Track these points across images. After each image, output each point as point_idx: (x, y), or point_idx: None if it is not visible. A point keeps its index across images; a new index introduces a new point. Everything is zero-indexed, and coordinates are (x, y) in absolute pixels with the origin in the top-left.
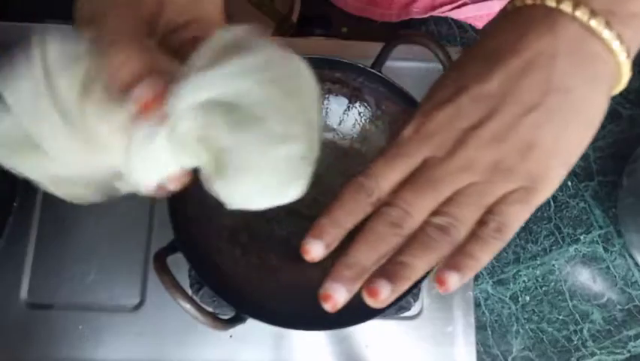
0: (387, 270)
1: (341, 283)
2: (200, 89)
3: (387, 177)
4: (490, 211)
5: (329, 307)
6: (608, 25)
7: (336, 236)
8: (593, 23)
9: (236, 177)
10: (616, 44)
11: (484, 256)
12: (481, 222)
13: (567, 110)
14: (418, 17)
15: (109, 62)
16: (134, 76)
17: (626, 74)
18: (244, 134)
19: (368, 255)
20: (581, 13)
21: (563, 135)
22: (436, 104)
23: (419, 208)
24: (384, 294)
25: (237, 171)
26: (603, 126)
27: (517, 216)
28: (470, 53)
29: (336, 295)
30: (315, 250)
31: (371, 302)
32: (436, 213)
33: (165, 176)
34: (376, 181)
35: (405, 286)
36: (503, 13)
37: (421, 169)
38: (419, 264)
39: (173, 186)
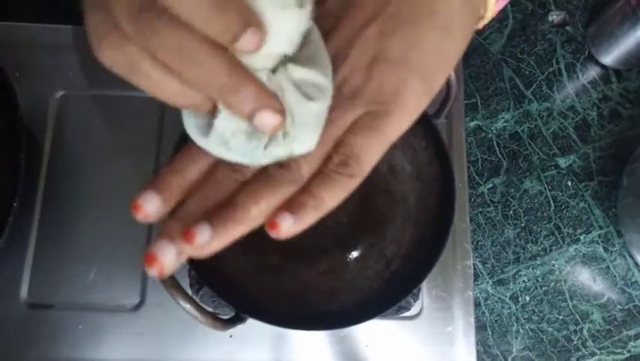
0: (218, 214)
1: (169, 239)
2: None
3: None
4: (337, 144)
5: (155, 272)
6: None
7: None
8: None
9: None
10: None
11: (326, 194)
12: (327, 158)
13: (418, 13)
14: None
15: None
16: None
17: None
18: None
19: (199, 202)
20: None
21: (414, 42)
22: None
23: None
24: (203, 238)
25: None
26: (603, 126)
27: (367, 146)
28: None
29: (163, 256)
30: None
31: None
32: None
33: None
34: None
35: (233, 229)
36: None
37: None
38: (259, 206)
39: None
